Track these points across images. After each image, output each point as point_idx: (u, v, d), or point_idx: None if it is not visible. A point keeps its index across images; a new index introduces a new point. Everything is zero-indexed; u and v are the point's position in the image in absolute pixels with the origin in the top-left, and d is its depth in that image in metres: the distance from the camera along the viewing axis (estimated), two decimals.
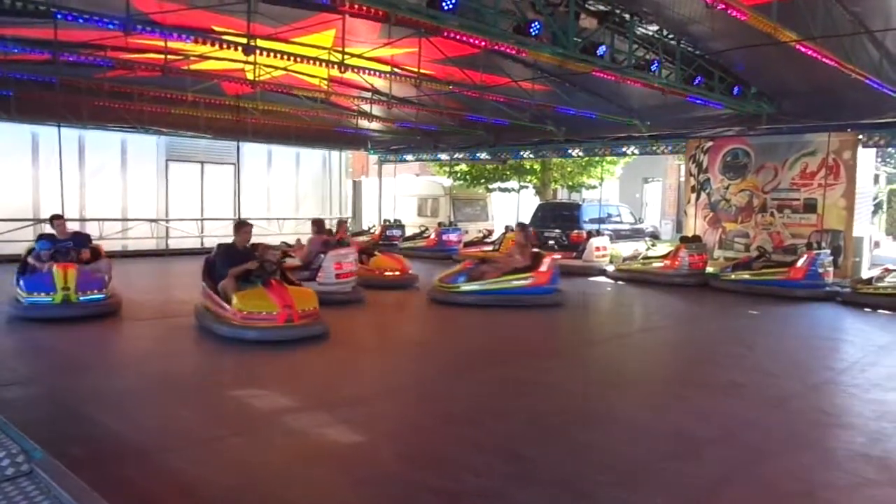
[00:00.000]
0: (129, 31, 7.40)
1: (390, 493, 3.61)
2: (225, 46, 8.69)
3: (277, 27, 9.88)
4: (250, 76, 12.06)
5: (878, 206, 26.62)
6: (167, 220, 17.13)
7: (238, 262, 7.35)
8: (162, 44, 9.80)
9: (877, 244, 20.71)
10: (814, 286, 10.88)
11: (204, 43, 8.38)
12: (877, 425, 4.82)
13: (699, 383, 6.05)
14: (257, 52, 9.18)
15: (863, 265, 12.98)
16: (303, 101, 14.28)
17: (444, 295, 9.72)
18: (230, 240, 7.98)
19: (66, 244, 8.39)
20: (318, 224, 10.59)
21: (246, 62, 11.13)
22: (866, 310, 9.98)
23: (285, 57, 9.96)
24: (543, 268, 9.77)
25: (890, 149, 21.65)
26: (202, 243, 16.72)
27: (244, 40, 8.12)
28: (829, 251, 11.51)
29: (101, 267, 8.33)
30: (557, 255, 10.79)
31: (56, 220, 8.62)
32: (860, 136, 12.11)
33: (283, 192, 19.68)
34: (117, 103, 13.35)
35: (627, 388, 5.93)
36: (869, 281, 10.63)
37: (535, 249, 10.36)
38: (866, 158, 13.37)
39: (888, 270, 10.72)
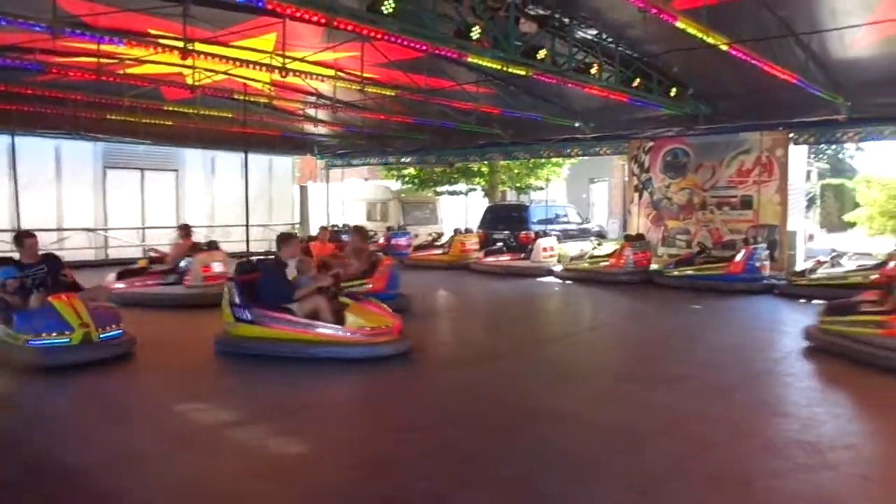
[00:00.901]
0: (56, 33, 7.14)
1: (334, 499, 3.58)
2: (161, 50, 8.48)
3: (216, 30, 9.69)
4: (190, 81, 11.80)
5: (811, 201, 27.72)
6: (106, 230, 16.60)
7: (286, 277, 6.75)
8: (94, 47, 9.48)
9: (811, 237, 21.56)
10: (752, 280, 11.26)
11: (138, 46, 8.14)
12: (809, 412, 5.02)
13: (646, 378, 6.18)
14: (195, 55, 9.02)
15: (797, 258, 13.49)
16: (246, 106, 14.03)
17: None
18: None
19: (39, 270, 6.69)
20: (184, 229, 10.82)
21: (185, 66, 10.89)
22: (801, 301, 10.37)
23: (225, 61, 9.80)
24: (378, 273, 9.22)
25: (821, 145, 22.54)
26: (144, 252, 16.24)
27: (181, 44, 7.93)
28: (765, 245, 11.93)
29: (97, 295, 6.85)
30: (389, 262, 9.56)
31: (27, 238, 6.78)
32: (791, 135, 12.59)
33: (227, 198, 19.28)
34: (50, 108, 12.87)
35: (576, 385, 6.02)
36: (802, 273, 11.06)
37: (379, 253, 9.91)
38: (798, 155, 13.91)
39: (820, 262, 11.17)
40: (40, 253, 6.90)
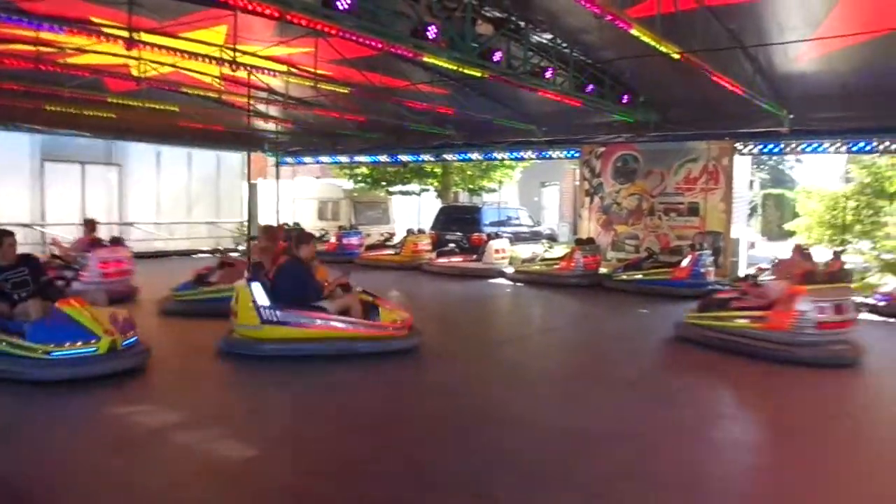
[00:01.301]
0: None
1: None
2: (104, 39, 8.14)
3: (163, 21, 9.37)
4: (135, 72, 11.40)
5: (753, 210, 28.61)
6: (43, 225, 15.91)
7: (313, 276, 6.87)
8: (33, 34, 9.05)
9: (752, 245, 22.23)
10: (697, 285, 11.47)
11: (80, 35, 7.80)
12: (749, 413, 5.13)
13: (594, 381, 6.23)
14: (141, 46, 8.71)
15: (740, 264, 13.86)
16: (193, 100, 13.65)
17: (174, 304, 8.89)
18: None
19: (19, 272, 6.09)
20: (89, 224, 10.98)
21: (130, 57, 10.50)
22: None
23: (173, 53, 9.49)
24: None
25: (763, 156, 23.24)
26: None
27: (126, 33, 7.63)
28: (710, 252, 12.20)
29: (98, 298, 6.23)
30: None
31: (5, 237, 6.11)
32: (736, 145, 12.93)
33: (173, 194, 18.73)
34: None
35: (528, 386, 6.02)
36: (745, 279, 11.34)
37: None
38: (742, 165, 14.30)
39: (762, 269, 11.46)
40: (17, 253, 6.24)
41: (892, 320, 9.78)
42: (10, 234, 6.21)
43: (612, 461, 4.15)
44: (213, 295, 8.63)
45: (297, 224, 18.45)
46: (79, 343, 5.47)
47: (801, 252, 9.17)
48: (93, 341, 5.53)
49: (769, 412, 5.29)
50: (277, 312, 6.48)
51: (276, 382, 5.84)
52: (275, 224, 10.31)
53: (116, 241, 10.66)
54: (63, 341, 5.41)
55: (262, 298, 6.48)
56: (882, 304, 10.16)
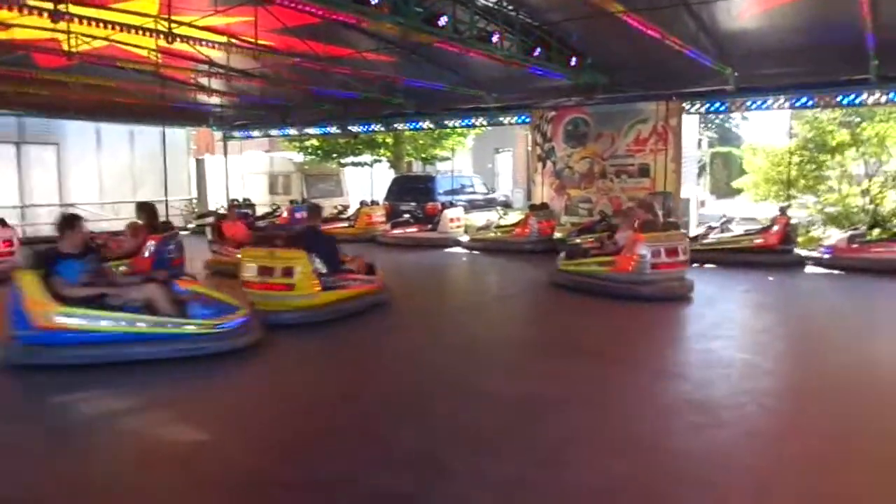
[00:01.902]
0: None
1: (236, 490, 3.40)
2: (28, 12, 7.69)
3: None
4: (66, 47, 10.84)
5: (702, 168, 29.15)
6: None
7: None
8: None
9: (702, 203, 22.69)
10: None
11: (1, 8, 7.36)
12: (701, 373, 5.24)
13: (548, 347, 6.28)
14: (69, 18, 8.25)
15: (691, 223, 14.11)
16: (130, 74, 13.11)
17: None
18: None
19: (92, 258, 5.89)
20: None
21: (59, 31, 9.97)
22: (694, 265, 10.82)
23: (104, 25, 9.03)
24: (146, 254, 8.53)
25: (711, 114, 23.59)
26: (24, 232, 15.01)
27: (50, 5, 7.23)
28: (662, 212, 12.35)
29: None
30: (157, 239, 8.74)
31: (76, 223, 5.71)
32: (684, 104, 13.05)
33: (117, 173, 18.10)
34: None
35: (482, 355, 6.03)
36: (695, 238, 11.57)
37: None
38: (690, 125, 14.47)
39: (711, 228, 11.74)
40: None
41: (836, 272, 10.08)
42: (80, 217, 5.92)
43: (563, 427, 4.17)
44: None
45: (246, 199, 18.13)
46: (231, 315, 5.74)
47: (643, 204, 9.81)
48: (238, 312, 5.83)
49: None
50: (331, 278, 7.07)
51: (213, 365, 5.72)
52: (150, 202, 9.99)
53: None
54: (223, 314, 5.71)
55: (321, 267, 7.05)
56: (826, 256, 10.47)
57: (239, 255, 7.50)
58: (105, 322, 5.33)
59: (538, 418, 4.29)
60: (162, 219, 10.44)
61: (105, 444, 4.01)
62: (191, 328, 5.52)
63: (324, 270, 7.06)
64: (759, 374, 5.21)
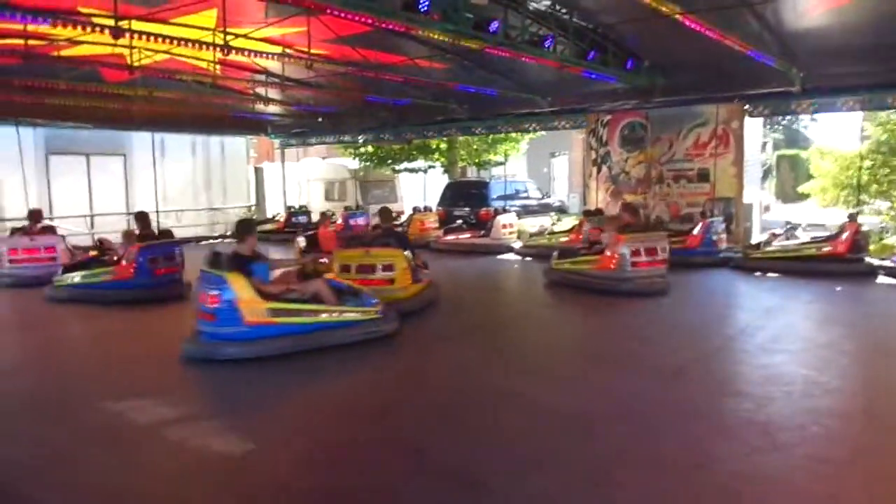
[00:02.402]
0: None
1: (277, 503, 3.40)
2: (92, 30, 7.98)
3: (152, 7, 9.20)
4: (129, 61, 11.23)
5: (767, 172, 28.13)
6: (52, 218, 15.93)
7: None
8: (21, 27, 8.92)
9: (767, 208, 21.85)
10: (709, 253, 11.28)
11: (66, 26, 7.66)
12: (763, 390, 4.98)
13: (599, 358, 6.10)
14: (131, 34, 8.54)
15: (754, 230, 13.58)
16: (191, 86, 13.51)
17: (54, 291, 9.07)
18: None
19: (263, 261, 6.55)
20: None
21: (123, 46, 10.34)
22: (756, 274, 10.44)
23: (164, 40, 9.32)
24: (124, 262, 8.92)
25: (774, 117, 22.72)
26: (94, 240, 15.64)
27: (111, 22, 7.48)
28: (721, 219, 11.94)
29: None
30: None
31: (253, 228, 6.60)
32: (746, 107, 12.57)
33: (179, 182, 18.68)
34: None
35: (530, 366, 5.90)
36: (757, 246, 11.13)
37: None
38: (753, 127, 13.93)
39: (774, 235, 11.24)
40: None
41: None
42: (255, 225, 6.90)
43: (612, 444, 4.04)
44: (90, 280, 8.98)
45: (303, 206, 18.44)
46: (378, 304, 6.55)
47: (627, 208, 10.14)
48: (377, 301, 6.58)
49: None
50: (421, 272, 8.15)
51: (256, 373, 5.76)
52: (144, 211, 10.64)
53: (47, 229, 11.28)
54: (374, 301, 6.52)
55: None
56: None
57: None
58: (305, 315, 6.05)
59: (586, 434, 4.15)
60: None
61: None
62: (362, 315, 6.36)
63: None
64: (823, 393, 4.92)
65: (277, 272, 6.57)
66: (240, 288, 5.76)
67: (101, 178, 16.97)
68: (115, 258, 9.34)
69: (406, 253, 7.89)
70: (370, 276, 7.56)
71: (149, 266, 8.83)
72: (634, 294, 8.58)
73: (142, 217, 10.05)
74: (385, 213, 8.84)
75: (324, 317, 6.16)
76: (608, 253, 8.90)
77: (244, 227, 6.42)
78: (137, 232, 9.60)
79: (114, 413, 4.70)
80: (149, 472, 3.80)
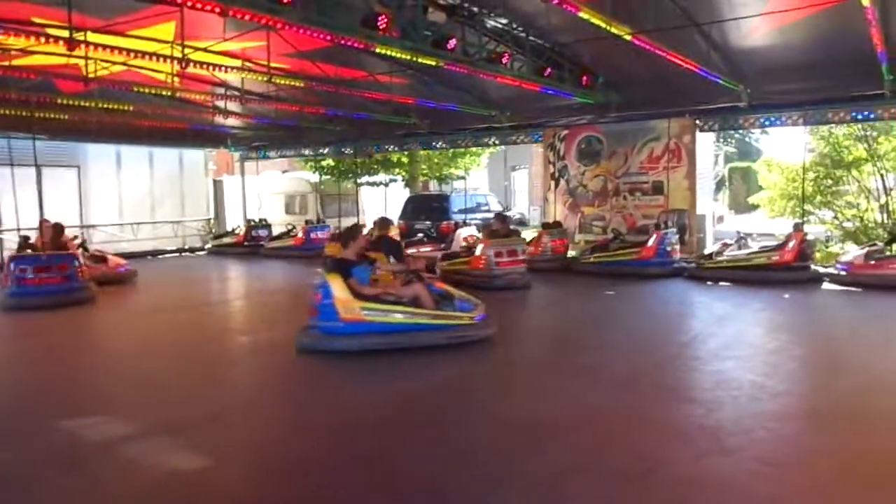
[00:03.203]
0: None
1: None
2: (47, 41, 7.89)
3: (109, 19, 9.13)
4: (85, 73, 11.08)
5: (720, 184, 28.95)
6: (0, 231, 15.53)
7: None
8: None
9: (721, 219, 22.50)
10: (663, 264, 11.59)
11: (19, 36, 7.56)
12: (713, 395, 5.16)
13: (554, 369, 6.24)
14: (87, 46, 8.46)
15: (707, 240, 14.00)
16: (149, 98, 13.35)
17: None
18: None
19: (369, 263, 7.03)
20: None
21: (79, 57, 10.21)
22: (709, 283, 10.77)
23: (121, 52, 9.24)
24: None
25: (723, 131, 23.42)
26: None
27: (66, 34, 7.41)
28: (675, 230, 12.28)
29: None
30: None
31: (358, 233, 7.11)
32: (697, 122, 13.00)
33: (136, 194, 18.38)
34: None
35: (486, 379, 6.00)
36: (710, 256, 11.48)
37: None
38: (705, 141, 14.40)
39: (726, 245, 11.63)
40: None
41: (853, 289, 9.93)
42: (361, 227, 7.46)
43: (568, 453, 4.14)
44: None
45: (263, 220, 18.31)
46: (477, 310, 6.82)
47: (498, 217, 11.95)
48: (479, 308, 6.87)
49: None
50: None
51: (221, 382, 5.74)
52: (59, 222, 11.56)
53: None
54: (472, 310, 6.78)
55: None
56: (843, 273, 10.32)
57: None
58: (397, 315, 6.46)
59: (542, 444, 4.26)
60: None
61: None
62: (457, 320, 6.63)
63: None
64: (770, 397, 5.13)
65: (382, 273, 6.99)
66: (337, 288, 6.36)
67: (53, 191, 16.58)
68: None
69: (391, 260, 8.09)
70: None
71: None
72: (504, 288, 10.31)
73: (46, 227, 10.96)
74: (384, 222, 9.38)
75: (414, 318, 6.50)
76: (478, 254, 10.68)
77: (350, 233, 7.03)
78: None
79: (65, 432, 4.64)
80: (105, 494, 3.77)
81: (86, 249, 12.38)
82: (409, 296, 6.64)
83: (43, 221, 11.65)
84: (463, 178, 22.15)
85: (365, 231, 16.27)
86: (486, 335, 6.78)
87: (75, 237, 12.40)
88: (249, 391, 5.83)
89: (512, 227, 17.66)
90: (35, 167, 16.06)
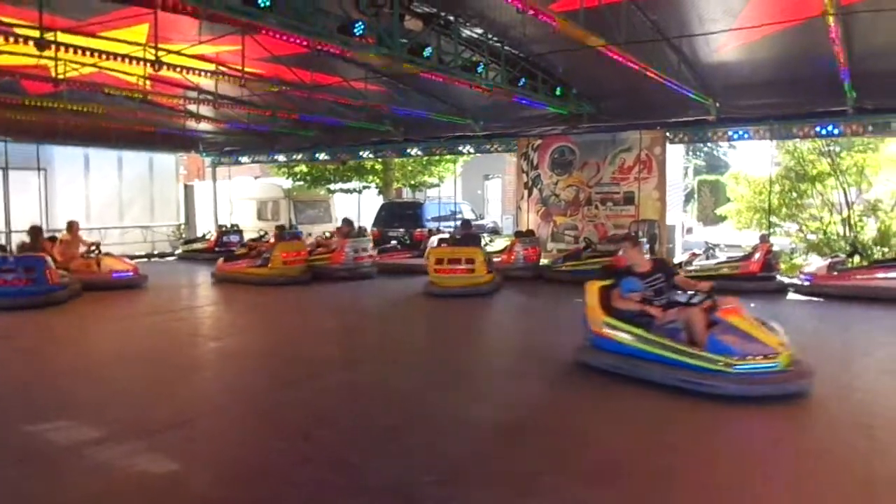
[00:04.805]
0: None
1: None
2: (15, 40, 7.76)
3: (81, 20, 9.02)
4: (54, 74, 10.90)
5: (689, 196, 29.43)
6: None
7: None
8: None
9: (689, 230, 22.88)
10: None
11: None
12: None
13: (525, 373, 6.30)
14: (57, 47, 8.33)
15: (676, 250, 14.24)
16: (119, 101, 13.18)
17: None
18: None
19: (656, 279, 6.00)
20: None
21: (48, 58, 10.04)
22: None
23: (92, 53, 9.12)
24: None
25: (696, 143, 23.85)
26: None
27: (36, 34, 7.30)
28: (645, 239, 12.46)
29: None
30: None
31: (638, 243, 6.48)
32: (667, 134, 13.24)
33: (104, 199, 18.09)
34: None
35: (460, 383, 6.03)
36: (679, 265, 11.65)
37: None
38: (675, 153, 14.69)
39: (694, 255, 11.85)
40: (648, 258, 6.35)
41: (816, 299, 10.18)
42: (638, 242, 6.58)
43: (537, 455, 4.20)
44: None
45: (234, 225, 18.14)
46: (759, 357, 5.11)
47: (345, 221, 14.07)
48: (771, 356, 5.12)
49: None
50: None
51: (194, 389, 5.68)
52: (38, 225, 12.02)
53: None
54: (744, 354, 5.09)
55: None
56: (807, 283, 10.57)
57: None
58: (626, 336, 5.70)
59: (516, 444, 4.30)
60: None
61: None
62: (703, 362, 5.19)
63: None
64: None
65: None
66: (590, 295, 6.02)
67: (19, 194, 16.27)
68: None
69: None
70: (456, 267, 10.95)
71: None
72: (357, 278, 12.86)
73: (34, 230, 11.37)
74: (468, 222, 12.32)
75: (653, 348, 5.53)
76: (338, 251, 13.04)
77: (628, 242, 6.47)
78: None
79: (31, 434, 4.56)
80: (71, 497, 3.71)
81: (98, 253, 12.22)
82: (681, 319, 5.54)
83: (72, 223, 12.42)
84: (436, 185, 22.20)
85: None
86: (747, 393, 5.05)
87: (93, 245, 12.32)
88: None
89: (484, 233, 17.81)
90: (1, 170, 15.90)
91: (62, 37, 8.75)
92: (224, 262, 13.32)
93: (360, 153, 17.98)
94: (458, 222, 13.99)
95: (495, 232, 21.49)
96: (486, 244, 14.96)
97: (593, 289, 6.07)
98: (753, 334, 5.23)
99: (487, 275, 10.88)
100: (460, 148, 16.71)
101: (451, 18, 9.19)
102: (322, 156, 18.59)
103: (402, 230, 17.28)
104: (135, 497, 3.65)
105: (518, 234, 13.66)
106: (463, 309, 10.19)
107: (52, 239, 12.08)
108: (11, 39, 7.54)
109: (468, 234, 11.81)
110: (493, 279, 11.11)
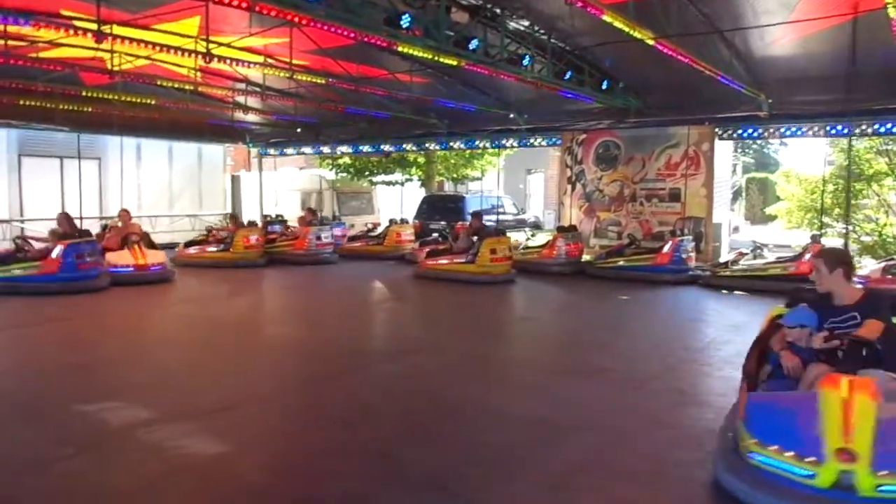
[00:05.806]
0: None
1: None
2: (74, 33, 8.02)
3: (136, 13, 9.27)
4: (110, 66, 11.25)
5: (737, 194, 28.77)
6: (22, 220, 15.75)
7: None
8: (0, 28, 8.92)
9: (736, 229, 22.37)
10: (678, 271, 11.56)
11: (48, 28, 7.69)
12: (725, 401, 5.14)
13: (567, 370, 6.25)
14: (113, 39, 8.59)
15: (722, 249, 13.93)
16: (171, 92, 13.51)
17: None
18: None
19: (849, 318, 3.78)
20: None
21: (104, 50, 10.37)
22: (724, 291, 10.72)
23: (146, 45, 9.38)
24: (52, 256, 9.79)
25: (742, 140, 23.30)
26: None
27: (94, 26, 7.53)
28: (691, 237, 12.26)
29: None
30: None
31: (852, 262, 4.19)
32: (716, 130, 12.95)
33: (155, 188, 18.58)
34: None
35: (501, 377, 6.03)
36: (725, 264, 11.43)
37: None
38: (724, 150, 14.34)
39: (742, 254, 11.57)
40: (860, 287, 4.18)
41: None
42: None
43: (577, 451, 4.16)
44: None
45: (279, 216, 18.41)
46: (791, 455, 3.15)
47: (309, 212, 15.05)
48: (810, 461, 3.08)
49: None
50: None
51: (249, 376, 5.81)
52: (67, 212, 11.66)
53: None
54: (777, 445, 3.21)
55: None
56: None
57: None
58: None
59: (554, 441, 4.28)
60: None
61: None
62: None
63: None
64: None
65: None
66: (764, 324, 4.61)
67: (74, 182, 16.80)
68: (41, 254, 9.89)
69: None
70: (497, 255, 11.59)
71: (73, 261, 9.76)
72: (317, 263, 13.64)
73: (65, 217, 11.09)
74: (479, 212, 12.63)
75: None
76: (301, 238, 13.91)
77: (834, 258, 4.06)
78: (61, 231, 10.37)
79: (86, 415, 4.72)
80: (125, 475, 3.83)
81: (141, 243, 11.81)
82: (805, 380, 3.66)
83: (123, 211, 12.41)
84: (478, 179, 22.17)
85: (380, 229, 16.47)
86: None
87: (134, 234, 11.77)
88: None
89: (525, 229, 17.76)
90: (58, 159, 16.44)
91: (117, 29, 9.02)
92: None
93: (404, 145, 18.07)
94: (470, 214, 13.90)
95: (537, 226, 21.34)
96: (527, 238, 14.94)
97: (772, 314, 4.30)
98: (827, 420, 3.19)
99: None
100: (504, 141, 16.64)
101: (498, 11, 9.17)
102: (366, 147, 18.73)
103: (443, 223, 17.30)
104: (184, 479, 3.75)
105: (560, 229, 13.54)
106: (503, 301, 10.17)
107: (105, 227, 12.42)
108: (71, 31, 7.77)
109: (480, 228, 12.16)
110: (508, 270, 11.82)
